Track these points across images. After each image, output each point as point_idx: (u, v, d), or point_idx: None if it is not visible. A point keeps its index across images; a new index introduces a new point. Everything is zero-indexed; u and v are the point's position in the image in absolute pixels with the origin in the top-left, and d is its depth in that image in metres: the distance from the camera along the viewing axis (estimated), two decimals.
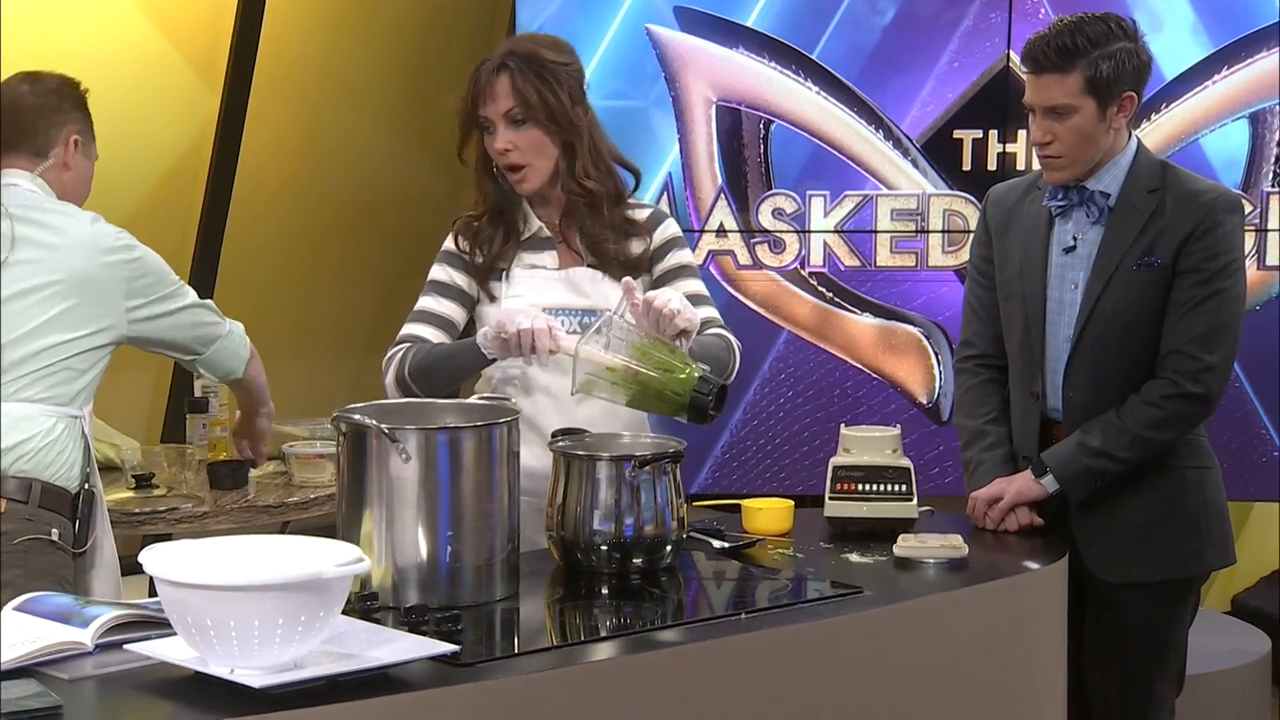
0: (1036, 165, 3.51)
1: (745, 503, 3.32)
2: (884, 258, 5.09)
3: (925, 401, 5.12)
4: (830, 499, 3.31)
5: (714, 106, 5.04)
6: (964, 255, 4.84)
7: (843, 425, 3.46)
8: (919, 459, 3.99)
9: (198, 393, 4.46)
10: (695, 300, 3.21)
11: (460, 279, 3.37)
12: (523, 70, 3.26)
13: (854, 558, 3.10)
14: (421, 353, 3.28)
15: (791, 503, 3.31)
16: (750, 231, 5.08)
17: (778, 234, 5.09)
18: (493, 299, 3.35)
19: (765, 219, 5.08)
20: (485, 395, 3.27)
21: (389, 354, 3.31)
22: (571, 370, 2.94)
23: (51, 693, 2.18)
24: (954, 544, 3.08)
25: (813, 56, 5.03)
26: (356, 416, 2.70)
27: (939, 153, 5.05)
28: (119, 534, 3.63)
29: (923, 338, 5.10)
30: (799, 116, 5.05)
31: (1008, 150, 4.99)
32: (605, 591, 2.86)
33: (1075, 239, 3.43)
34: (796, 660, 2.66)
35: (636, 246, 3.35)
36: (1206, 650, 4.70)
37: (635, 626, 2.71)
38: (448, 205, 6.40)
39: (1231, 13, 4.96)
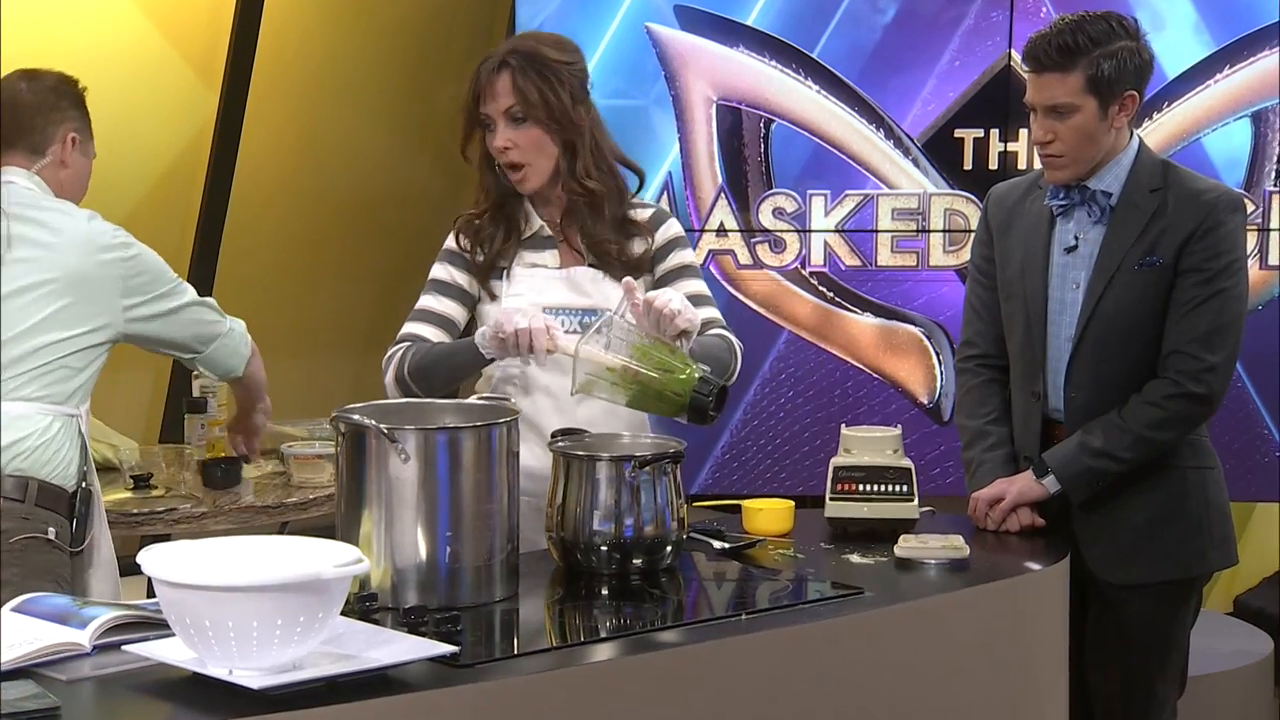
0: (1038, 164, 3.51)
1: (745, 503, 3.32)
2: (885, 257, 5.08)
3: (926, 402, 5.11)
4: (831, 499, 3.30)
5: (714, 105, 5.04)
6: (965, 255, 4.82)
7: (843, 425, 3.46)
8: (920, 459, 3.99)
9: (196, 393, 4.45)
10: (697, 301, 3.21)
11: (461, 278, 3.36)
12: (524, 68, 3.26)
13: (855, 558, 3.10)
14: (420, 352, 3.27)
15: (792, 503, 3.31)
16: (751, 231, 5.07)
17: (778, 233, 5.08)
18: (493, 297, 3.34)
19: (766, 218, 5.07)
20: (485, 395, 3.26)
21: (389, 353, 3.31)
22: (572, 370, 2.94)
23: (49, 694, 2.17)
24: (955, 545, 3.07)
25: (813, 55, 5.02)
26: (355, 416, 2.70)
27: (940, 152, 5.04)
28: (117, 534, 3.62)
29: (924, 338, 5.09)
30: (799, 115, 5.04)
31: (1009, 149, 4.99)
32: (605, 592, 2.85)
33: (1077, 238, 3.42)
34: (797, 661, 2.66)
35: (638, 247, 3.34)
36: (1208, 651, 4.70)
37: (635, 627, 2.70)
38: (447, 204, 6.39)
39: (1233, 11, 4.95)
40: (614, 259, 3.31)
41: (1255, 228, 4.88)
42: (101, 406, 4.39)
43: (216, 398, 4.37)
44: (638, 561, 2.89)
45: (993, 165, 5.00)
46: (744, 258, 5.09)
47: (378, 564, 2.66)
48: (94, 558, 3.40)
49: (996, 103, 4.98)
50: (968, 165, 5.03)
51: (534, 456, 3.14)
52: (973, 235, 3.80)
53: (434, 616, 2.54)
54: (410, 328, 3.34)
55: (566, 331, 3.15)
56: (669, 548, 2.93)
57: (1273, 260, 4.98)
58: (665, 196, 4.98)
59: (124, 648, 2.36)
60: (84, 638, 2.39)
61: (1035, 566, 3.17)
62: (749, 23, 5.03)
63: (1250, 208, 4.78)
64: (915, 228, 5.06)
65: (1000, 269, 3.52)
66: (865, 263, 5.08)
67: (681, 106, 5.03)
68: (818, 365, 5.12)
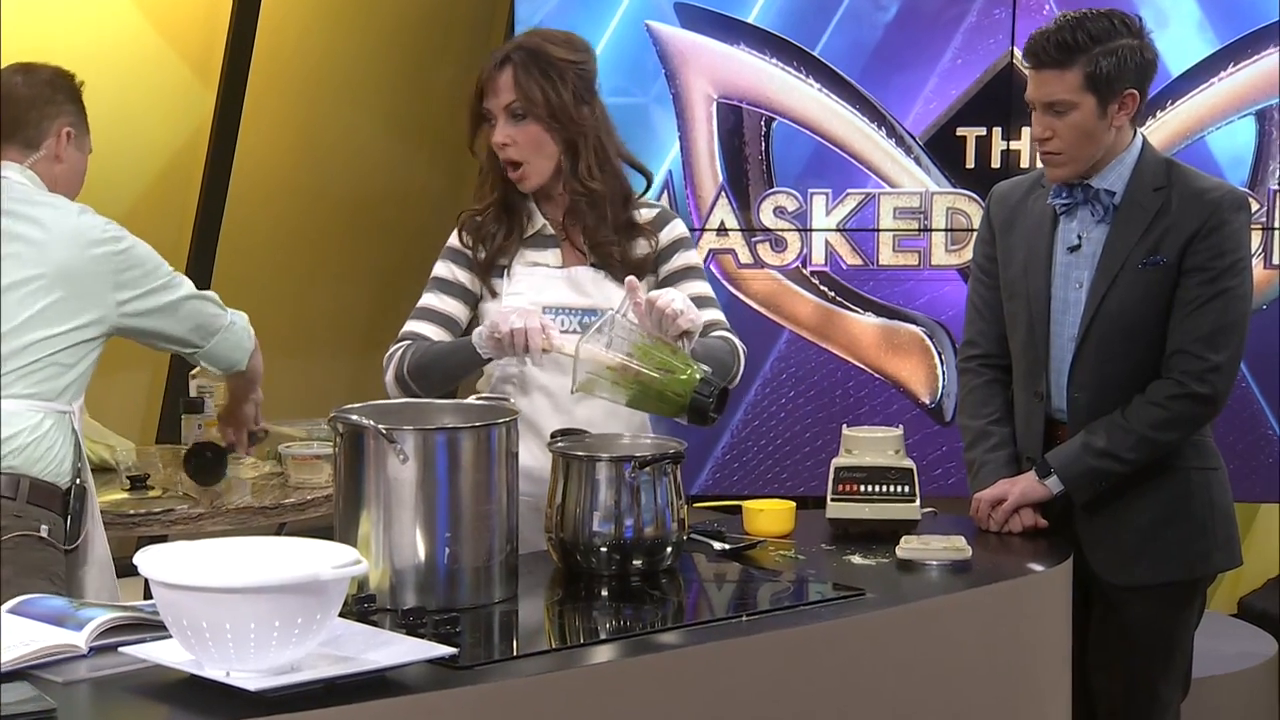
0: (1040, 163, 3.49)
1: (746, 504, 3.31)
2: (886, 256, 5.07)
3: (928, 402, 5.10)
4: (832, 500, 3.30)
5: (715, 104, 5.03)
6: (967, 254, 4.82)
7: (845, 426, 3.46)
8: (922, 460, 3.98)
9: (193, 393, 4.44)
10: (700, 302, 3.19)
11: (463, 276, 3.35)
12: (526, 65, 3.25)
13: (856, 559, 3.09)
14: (420, 351, 3.26)
15: (793, 504, 3.30)
16: (751, 230, 5.06)
17: (779, 232, 5.07)
18: (494, 295, 3.33)
19: (766, 217, 5.06)
20: (484, 395, 3.25)
21: (389, 351, 3.31)
22: (572, 369, 2.93)
23: (46, 696, 2.16)
24: (957, 546, 3.07)
25: (814, 53, 5.01)
26: (354, 417, 2.69)
27: (942, 150, 5.03)
28: (113, 535, 3.60)
29: (925, 337, 5.08)
30: (801, 114, 5.03)
31: (1011, 148, 4.98)
32: (605, 594, 2.85)
33: (1080, 237, 3.41)
34: (798, 663, 2.65)
35: (641, 248, 3.33)
36: (1212, 653, 4.69)
37: (635, 629, 2.71)
38: (446, 202, 6.40)
39: (1237, 9, 4.94)
40: (616, 260, 3.30)
41: (1259, 226, 4.87)
42: (98, 407, 4.39)
43: (213, 398, 4.35)
44: (638, 563, 2.88)
45: (995, 164, 4.99)
46: (745, 257, 5.08)
47: (376, 565, 2.66)
48: (88, 555, 3.38)
49: (999, 101, 4.97)
50: (970, 164, 5.02)
51: (532, 457, 3.13)
52: (975, 234, 3.79)
53: (433, 618, 2.53)
54: (411, 326, 3.33)
55: (566, 331, 3.14)
56: (669, 549, 2.92)
57: (1277, 259, 4.97)
58: (666, 195, 4.97)
59: (121, 649, 2.35)
60: (80, 639, 2.38)
61: (1038, 568, 3.17)
62: (750, 20, 5.02)
63: (1254, 206, 4.76)
64: (917, 227, 5.05)
65: (1003, 268, 3.51)
66: (867, 262, 5.07)
67: (682, 105, 5.02)
68: (819, 365, 5.11)
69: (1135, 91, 3.32)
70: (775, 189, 5.05)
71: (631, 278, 3.10)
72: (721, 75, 5.02)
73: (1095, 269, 3.38)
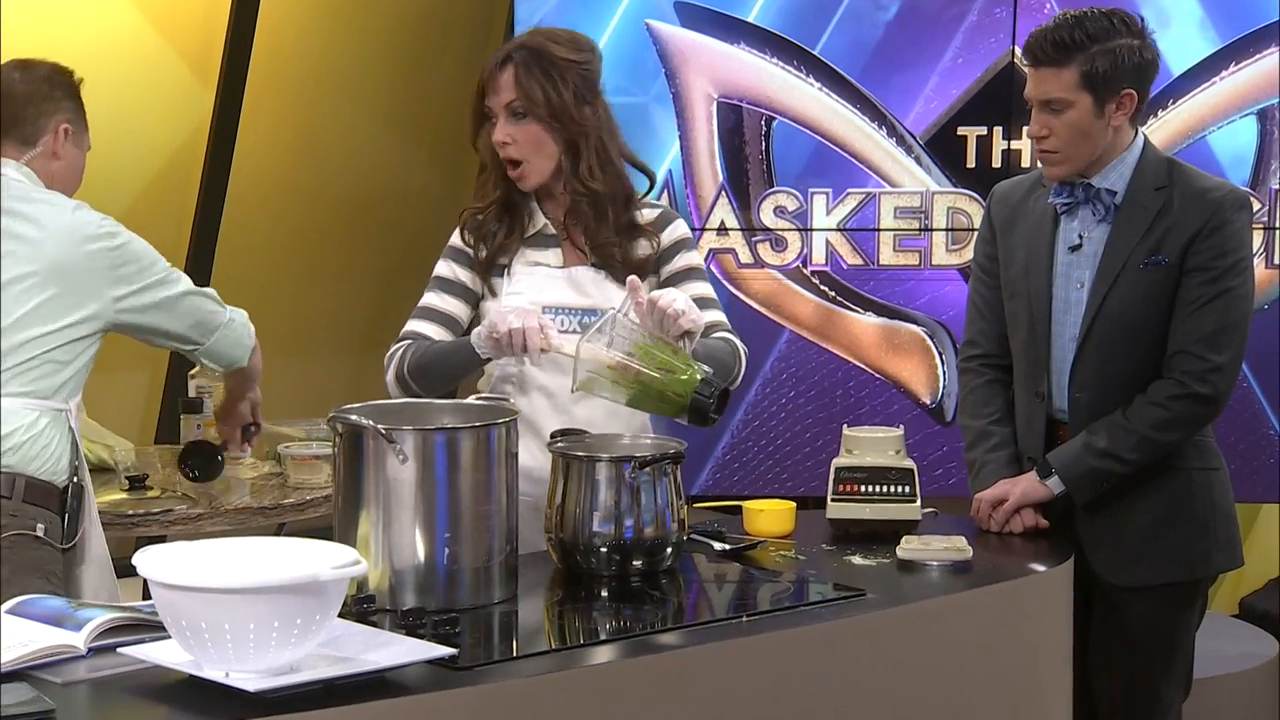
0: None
1: (746, 504, 3.31)
2: (887, 256, 5.06)
3: (929, 402, 5.10)
4: (832, 500, 3.29)
5: (715, 103, 5.02)
6: (968, 254, 4.82)
7: (845, 426, 3.46)
8: (922, 460, 3.97)
9: (192, 393, 4.43)
10: (702, 303, 3.19)
11: (464, 275, 3.35)
12: (527, 64, 3.24)
13: (857, 560, 3.09)
14: (420, 350, 3.26)
15: (793, 504, 3.30)
16: (752, 229, 5.05)
17: (779, 232, 5.06)
18: (494, 294, 3.32)
19: (767, 217, 5.05)
20: (483, 395, 3.25)
21: (390, 351, 3.30)
22: (573, 368, 2.92)
23: (44, 697, 2.16)
24: (958, 546, 3.07)
25: (815, 52, 5.00)
26: (353, 417, 2.69)
27: (943, 150, 5.02)
28: (112, 535, 3.59)
29: (926, 337, 5.08)
30: (801, 113, 5.02)
31: (1012, 147, 4.97)
32: (605, 594, 2.84)
33: (1081, 237, 3.41)
34: (798, 664, 2.65)
35: (642, 249, 3.33)
36: (1214, 653, 4.69)
37: (635, 629, 2.71)
38: (445, 201, 6.39)
39: (1239, 8, 4.94)
40: (617, 261, 3.29)
41: (1261, 226, 4.86)
42: (97, 407, 4.38)
43: (212, 398, 4.35)
44: (638, 563, 2.88)
45: (996, 163, 4.99)
46: (745, 257, 5.07)
47: (375, 566, 2.65)
48: (85, 554, 3.37)
49: (1000, 100, 4.96)
50: (971, 163, 5.02)
51: (531, 456, 3.12)
52: (976, 234, 3.79)
53: (432, 618, 2.53)
54: (412, 325, 3.32)
55: (566, 331, 3.14)
56: (669, 549, 2.92)
57: (1278, 259, 4.96)
58: (666, 195, 4.97)
59: (119, 650, 2.35)
60: (79, 640, 2.38)
61: (1039, 568, 3.16)
62: (750, 19, 5.01)
63: (1256, 206, 4.75)
64: (918, 226, 5.04)
65: (1004, 268, 3.51)
66: (867, 262, 5.06)
67: (682, 104, 5.02)
68: (819, 365, 5.11)
69: (1133, 92, 3.31)
70: (775, 188, 5.04)
71: (633, 277, 3.09)
72: (722, 74, 5.02)
73: (1096, 269, 3.38)
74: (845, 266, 5.08)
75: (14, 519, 3.19)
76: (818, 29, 5.01)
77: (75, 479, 3.33)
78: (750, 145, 5.03)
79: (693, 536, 3.10)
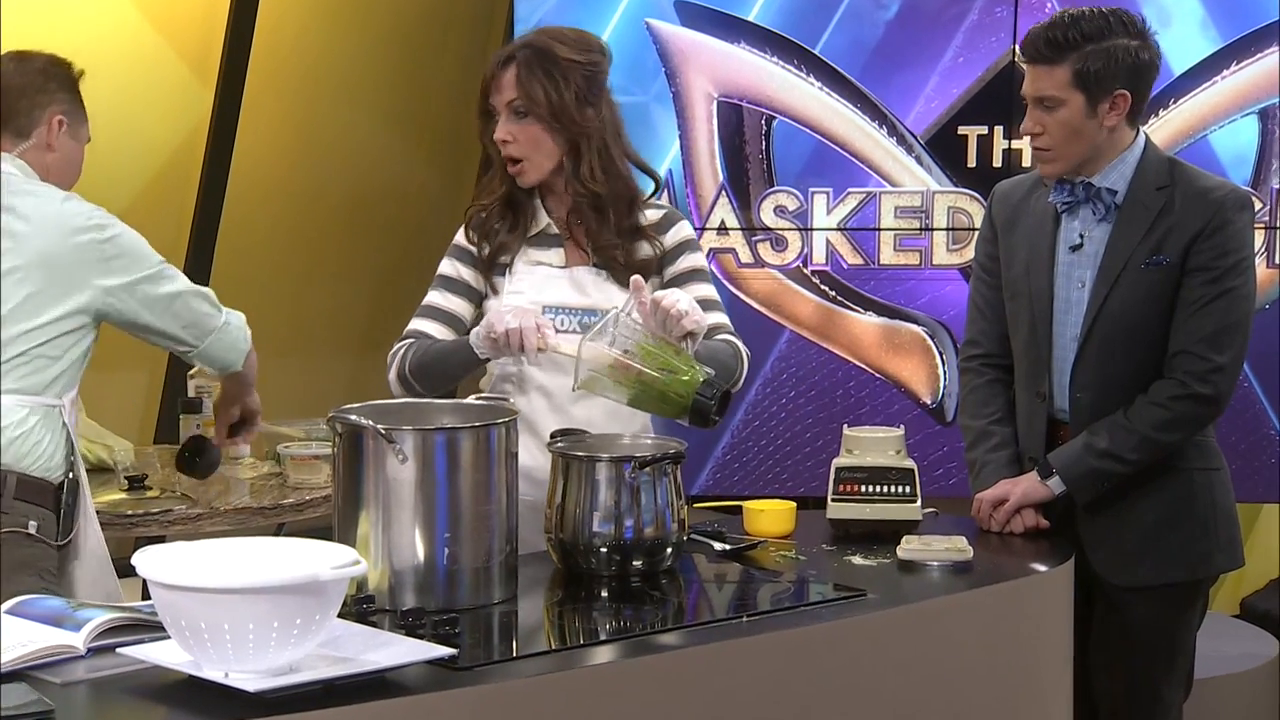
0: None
1: (747, 504, 3.31)
2: (887, 256, 5.06)
3: (929, 402, 5.09)
4: (833, 500, 3.29)
5: (715, 102, 5.02)
6: (969, 253, 4.82)
7: (845, 426, 3.46)
8: (923, 460, 3.96)
9: (191, 393, 4.43)
10: (705, 305, 3.18)
11: (467, 274, 3.35)
12: (530, 64, 3.23)
13: (857, 560, 3.09)
14: (421, 350, 3.26)
15: (794, 504, 3.30)
16: (752, 229, 5.05)
17: (780, 232, 5.06)
18: (495, 293, 3.32)
19: (767, 216, 5.05)
20: (483, 395, 3.24)
21: (393, 349, 3.30)
22: (574, 368, 2.92)
23: (44, 697, 2.15)
24: (959, 546, 3.06)
25: (815, 52, 5.00)
26: (352, 417, 2.68)
27: (943, 149, 5.02)
28: (111, 535, 3.58)
29: (927, 337, 5.07)
30: (801, 112, 5.02)
31: (1013, 147, 4.97)
32: (605, 594, 2.84)
33: (1082, 236, 3.40)
34: (799, 664, 2.65)
35: (645, 251, 3.32)
36: (1215, 654, 4.69)
37: (635, 630, 2.70)
38: (444, 200, 6.39)
39: (1240, 8, 4.94)
40: (619, 263, 3.29)
41: (1262, 226, 4.86)
42: (96, 407, 4.38)
43: (211, 398, 4.34)
44: (638, 563, 2.88)
45: (996, 163, 4.99)
46: (745, 256, 5.07)
47: (375, 566, 2.65)
48: (81, 548, 3.35)
49: (1000, 99, 4.96)
50: (971, 163, 5.01)
51: (530, 456, 3.11)
52: (976, 233, 3.78)
53: (432, 619, 2.53)
54: (415, 324, 3.32)
55: (566, 331, 3.13)
56: (669, 549, 2.91)
57: (1279, 259, 4.96)
58: (666, 194, 4.96)
59: (119, 650, 2.35)
60: (78, 640, 2.38)
61: (1040, 568, 3.16)
62: (750, 19, 5.01)
63: (1257, 205, 4.75)
64: (918, 226, 5.04)
65: (1005, 267, 3.50)
66: (868, 261, 5.06)
67: (682, 103, 5.01)
68: (820, 365, 5.10)
69: (1126, 92, 3.31)
70: (776, 188, 5.04)
71: (637, 277, 3.08)
72: (722, 74, 5.01)
73: (1098, 268, 3.37)
74: (846, 266, 5.07)
75: (6, 516, 3.17)
76: (818, 28, 5.01)
77: (70, 475, 3.31)
78: (750, 145, 5.03)
79: (693, 536, 3.10)
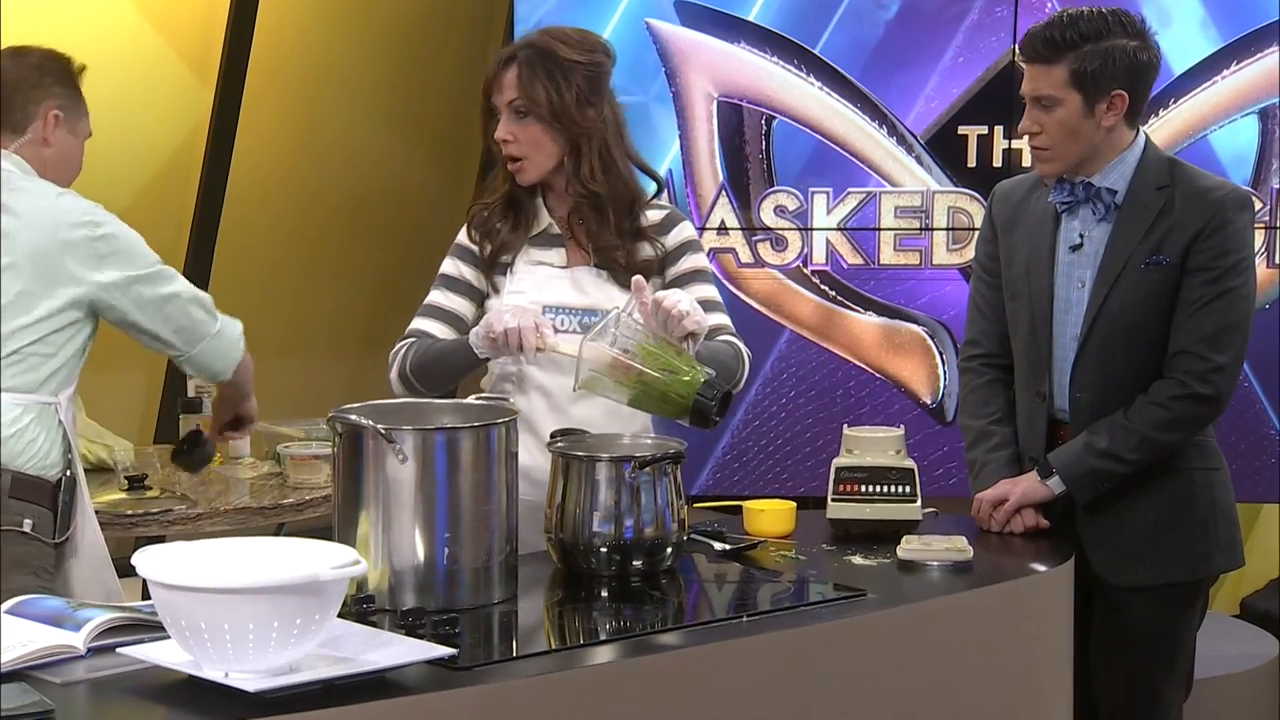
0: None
1: (747, 504, 3.30)
2: (888, 256, 5.06)
3: (929, 402, 5.09)
4: (833, 500, 3.28)
5: (715, 102, 5.01)
6: (969, 253, 4.82)
7: (845, 426, 3.45)
8: (923, 460, 3.96)
9: (191, 393, 4.43)
10: (707, 306, 3.18)
11: (469, 273, 3.35)
12: (531, 64, 3.23)
13: (857, 560, 3.08)
14: (422, 349, 3.26)
15: (794, 504, 3.29)
16: (752, 229, 5.05)
17: (780, 231, 5.06)
18: (497, 292, 3.32)
19: (767, 216, 5.05)
20: (484, 394, 3.24)
21: (395, 349, 3.30)
22: (575, 368, 2.92)
23: (44, 697, 2.15)
24: (959, 546, 3.06)
25: (815, 51, 5.00)
26: (352, 417, 2.68)
27: (943, 149, 5.02)
28: (111, 535, 3.58)
29: (927, 337, 5.07)
30: (801, 112, 5.02)
31: (1013, 146, 4.97)
32: (605, 594, 2.83)
33: (1082, 236, 3.40)
34: (799, 664, 2.64)
35: (646, 251, 3.32)
36: (1215, 654, 4.68)
37: (635, 630, 2.70)
38: (444, 200, 6.39)
39: (1240, 8, 4.94)
40: (619, 264, 3.29)
41: (1262, 226, 4.86)
42: (96, 407, 4.38)
43: (211, 397, 4.34)
44: (638, 563, 2.87)
45: (996, 162, 4.99)
46: (745, 256, 5.07)
47: (375, 566, 2.64)
48: (77, 547, 3.33)
49: (1000, 99, 4.96)
50: (971, 162, 5.01)
51: (529, 455, 3.11)
52: (976, 233, 3.78)
53: (432, 619, 2.52)
54: (417, 323, 3.32)
55: (566, 331, 3.13)
56: (669, 549, 2.91)
57: (1279, 258, 4.96)
58: (666, 194, 4.95)
59: (119, 650, 2.34)
60: (78, 640, 2.37)
61: (1039, 568, 3.15)
62: (750, 18, 5.01)
63: (1257, 205, 4.75)
64: (918, 226, 5.04)
65: (1005, 267, 3.50)
66: (868, 261, 5.06)
67: (682, 103, 5.01)
68: (820, 365, 5.10)
69: (1124, 92, 3.30)
70: (776, 188, 5.04)
71: (638, 277, 3.08)
72: (722, 73, 5.01)
73: (1098, 268, 3.37)
74: (846, 266, 5.07)
75: (0, 515, 3.17)
76: (818, 28, 5.00)
77: (69, 473, 3.30)
78: (750, 144, 5.03)
79: (693, 536, 3.09)
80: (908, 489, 3.27)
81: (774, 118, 5.02)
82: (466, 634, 2.52)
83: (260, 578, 2.16)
